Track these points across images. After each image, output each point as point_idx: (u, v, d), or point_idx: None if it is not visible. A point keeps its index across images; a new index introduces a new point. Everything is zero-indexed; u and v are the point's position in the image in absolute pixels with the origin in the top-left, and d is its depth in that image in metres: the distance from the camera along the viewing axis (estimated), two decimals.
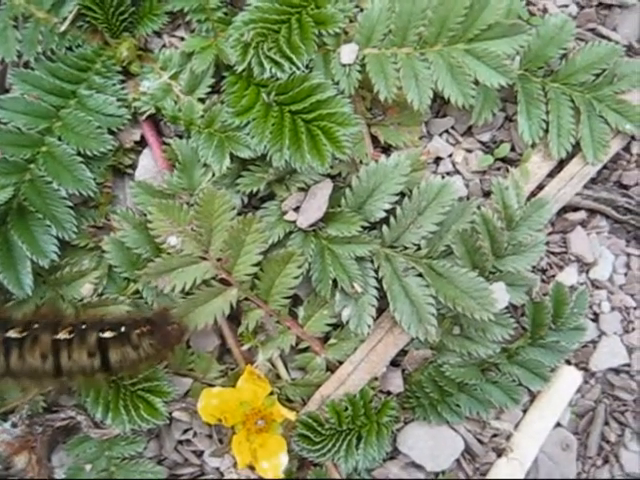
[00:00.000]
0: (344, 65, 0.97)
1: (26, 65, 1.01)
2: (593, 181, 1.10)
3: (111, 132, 1.00)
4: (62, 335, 0.88)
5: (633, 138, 1.10)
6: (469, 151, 1.09)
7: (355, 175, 0.97)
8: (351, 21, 0.99)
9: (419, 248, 0.97)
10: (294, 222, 0.98)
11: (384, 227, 0.97)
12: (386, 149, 1.06)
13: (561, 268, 1.11)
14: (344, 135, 0.92)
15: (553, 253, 1.11)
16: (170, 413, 1.01)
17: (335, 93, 0.94)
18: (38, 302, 0.98)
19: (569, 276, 1.10)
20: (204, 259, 0.97)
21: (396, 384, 1.05)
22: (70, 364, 0.88)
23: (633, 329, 1.11)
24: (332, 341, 1.03)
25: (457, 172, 1.09)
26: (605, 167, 1.11)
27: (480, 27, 0.97)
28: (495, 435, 1.09)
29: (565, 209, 1.10)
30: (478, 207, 0.98)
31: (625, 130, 1.06)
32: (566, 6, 1.11)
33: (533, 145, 1.06)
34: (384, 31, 0.98)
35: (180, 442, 1.08)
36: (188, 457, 1.08)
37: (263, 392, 0.95)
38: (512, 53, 0.98)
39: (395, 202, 0.96)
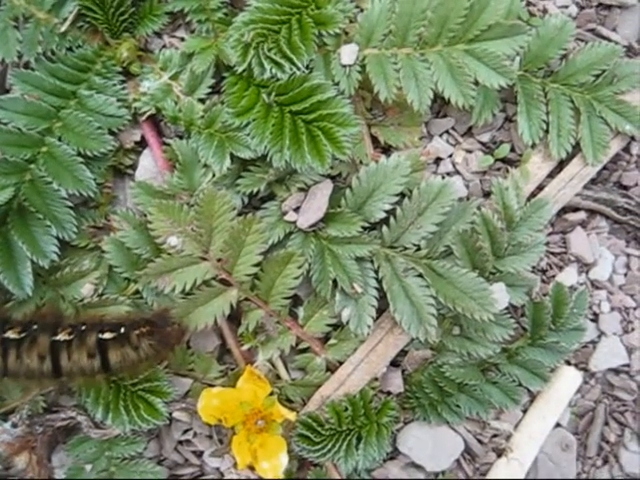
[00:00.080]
0: (344, 65, 0.97)
1: (26, 66, 1.01)
2: (593, 182, 1.10)
3: (111, 132, 1.00)
4: (61, 336, 0.88)
5: (633, 139, 1.10)
6: (469, 151, 1.09)
7: (355, 175, 0.97)
8: (351, 21, 0.99)
9: (419, 248, 0.97)
10: (294, 222, 0.98)
11: (384, 227, 0.97)
12: (386, 149, 1.06)
13: (561, 268, 1.11)
14: (344, 135, 0.92)
15: (553, 253, 1.11)
16: (170, 413, 1.01)
17: (335, 94, 0.94)
18: (38, 302, 0.98)
19: (569, 276, 1.10)
20: (204, 259, 0.97)
21: (396, 384, 1.05)
22: (70, 365, 0.88)
23: (633, 329, 1.12)
24: (332, 341, 1.03)
25: (457, 172, 1.09)
26: (605, 168, 1.11)
27: (480, 28, 0.97)
28: (495, 435, 1.09)
29: (565, 209, 1.10)
30: (478, 207, 0.98)
31: (625, 131, 1.06)
32: (566, 7, 1.11)
33: (533, 146, 1.06)
34: (384, 31, 0.98)
35: (180, 442, 1.08)
36: (188, 457, 1.08)
37: (263, 392, 0.95)
38: (512, 54, 0.99)
39: (395, 202, 0.96)
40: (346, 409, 1.00)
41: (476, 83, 0.98)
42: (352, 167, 1.02)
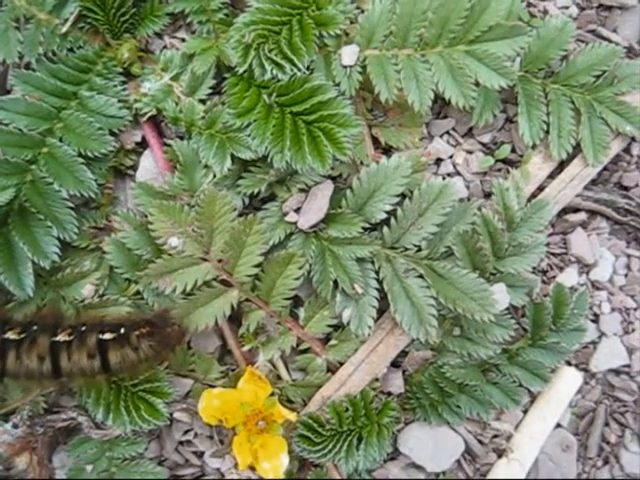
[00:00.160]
0: (345, 66, 0.98)
1: (27, 66, 1.01)
2: (593, 182, 1.10)
3: (112, 133, 1.00)
4: (61, 337, 0.89)
5: (633, 139, 1.10)
6: (470, 152, 1.09)
7: (356, 176, 0.97)
8: (352, 22, 0.99)
9: (420, 249, 0.97)
10: (295, 223, 0.98)
11: (385, 228, 0.97)
12: (387, 150, 1.06)
13: (561, 269, 1.11)
14: (345, 136, 0.92)
15: (553, 254, 1.11)
16: (171, 414, 1.01)
17: (336, 94, 0.94)
18: (39, 303, 0.98)
19: (569, 277, 1.10)
20: (205, 260, 0.97)
21: (397, 385, 1.05)
22: (70, 366, 0.88)
23: (633, 330, 1.12)
24: (333, 342, 1.03)
25: (458, 173, 1.09)
26: (605, 168, 1.11)
27: (481, 29, 0.97)
28: (495, 436, 1.09)
29: (565, 210, 1.10)
30: (479, 208, 0.98)
31: (625, 131, 1.06)
32: (566, 7, 1.11)
33: (534, 146, 1.06)
34: (385, 32, 0.98)
35: (181, 443, 1.08)
36: (189, 458, 1.08)
37: (264, 393, 0.95)
38: (513, 54, 0.99)
39: (396, 203, 0.96)
40: (347, 410, 1.00)
41: (477, 84, 0.98)
42: (353, 168, 1.02)
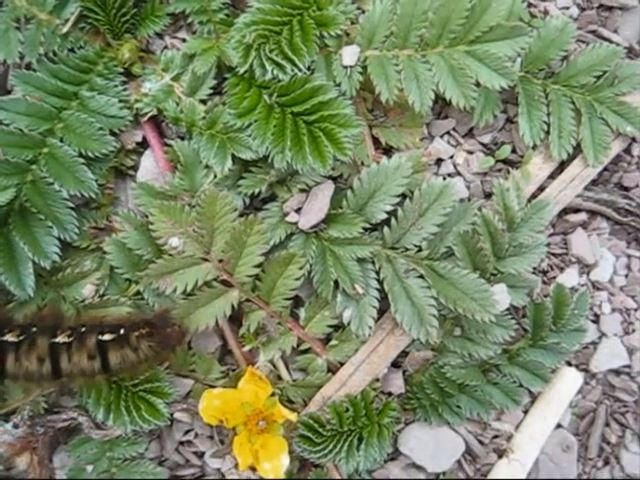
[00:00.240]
0: (346, 67, 0.98)
1: (28, 66, 1.01)
2: (594, 183, 1.10)
3: (113, 133, 1.00)
4: (61, 338, 0.88)
5: (634, 140, 1.10)
6: (470, 152, 1.09)
7: (356, 176, 0.97)
8: (352, 23, 0.99)
9: (420, 249, 0.97)
10: (295, 223, 0.98)
11: (385, 228, 0.97)
12: (387, 150, 1.06)
13: (562, 269, 1.11)
14: (345, 136, 0.92)
15: (554, 254, 1.11)
16: (171, 414, 1.01)
17: (337, 95, 0.94)
18: (40, 303, 0.98)
19: (570, 277, 1.10)
20: (205, 260, 0.97)
21: (397, 385, 1.05)
22: (70, 367, 0.88)
23: (633, 330, 1.12)
24: (333, 342, 1.03)
25: (458, 173, 1.09)
26: (606, 169, 1.11)
27: (481, 29, 0.97)
28: (496, 436, 1.09)
29: (566, 211, 1.10)
30: (479, 208, 0.99)
31: (626, 132, 1.06)
32: (567, 8, 1.11)
33: (534, 147, 1.06)
34: (385, 33, 0.98)
35: (181, 443, 1.08)
36: (189, 458, 1.08)
37: (264, 393, 0.95)
38: (513, 55, 0.99)
39: (396, 203, 0.96)
40: (347, 410, 1.00)
41: (477, 84, 0.98)
42: (353, 168, 1.02)
